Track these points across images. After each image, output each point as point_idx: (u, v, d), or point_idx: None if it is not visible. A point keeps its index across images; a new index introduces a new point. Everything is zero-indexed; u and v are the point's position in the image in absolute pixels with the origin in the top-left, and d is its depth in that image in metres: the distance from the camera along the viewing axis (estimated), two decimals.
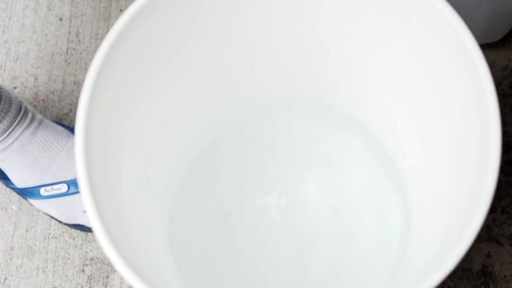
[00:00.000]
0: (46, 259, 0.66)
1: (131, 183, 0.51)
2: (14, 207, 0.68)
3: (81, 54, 0.74)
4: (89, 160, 0.42)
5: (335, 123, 0.63)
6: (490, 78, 0.42)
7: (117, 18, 0.74)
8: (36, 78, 0.73)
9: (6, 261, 0.66)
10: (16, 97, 0.63)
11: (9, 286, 0.65)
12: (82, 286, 0.65)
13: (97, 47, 0.74)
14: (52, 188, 0.64)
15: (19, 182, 0.65)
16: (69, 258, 0.66)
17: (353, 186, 0.62)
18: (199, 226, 0.61)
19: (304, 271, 0.59)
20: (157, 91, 0.52)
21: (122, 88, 0.47)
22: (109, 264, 0.66)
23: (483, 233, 0.66)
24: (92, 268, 0.66)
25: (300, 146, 0.63)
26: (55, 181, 0.64)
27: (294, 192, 0.62)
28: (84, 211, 0.64)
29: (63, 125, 0.67)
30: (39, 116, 0.65)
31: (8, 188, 0.68)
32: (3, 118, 0.61)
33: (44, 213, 0.67)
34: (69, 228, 0.67)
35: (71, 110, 0.72)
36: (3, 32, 0.75)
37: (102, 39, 0.74)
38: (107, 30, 0.75)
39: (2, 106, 0.61)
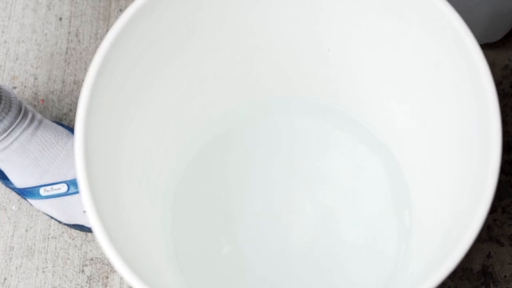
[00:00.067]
0: (45, 259, 0.66)
1: (131, 183, 0.51)
2: (13, 207, 0.68)
3: (80, 54, 0.74)
4: (89, 160, 0.42)
5: (335, 123, 0.63)
6: (491, 78, 0.42)
7: (116, 17, 0.74)
8: (35, 78, 0.73)
9: (6, 261, 0.66)
10: (16, 97, 0.63)
11: (8, 286, 0.65)
12: (81, 286, 0.65)
13: (96, 46, 0.74)
14: (52, 188, 0.64)
15: (18, 182, 0.65)
16: (68, 258, 0.66)
17: (353, 186, 0.62)
18: (199, 226, 0.61)
19: (305, 271, 0.59)
20: (157, 91, 0.52)
21: (122, 88, 0.47)
22: (109, 264, 0.66)
23: (483, 233, 0.66)
24: (91, 268, 0.66)
25: (300, 146, 0.63)
26: (55, 181, 0.64)
27: (294, 192, 0.62)
28: (84, 211, 0.64)
29: (62, 125, 0.67)
30: (39, 116, 0.65)
31: (7, 188, 0.68)
32: (3, 118, 0.61)
33: (44, 213, 0.67)
34: (68, 228, 0.67)
35: (70, 110, 0.72)
36: (3, 32, 0.75)
37: (101, 39, 0.74)
38: (107, 30, 0.75)
39: (2, 106, 0.61)
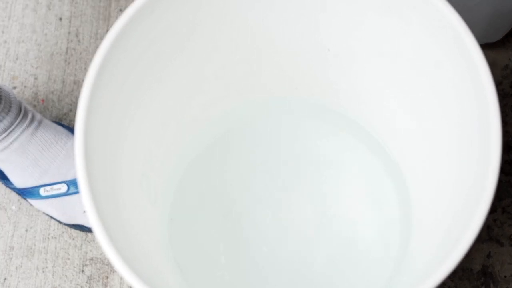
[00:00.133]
0: (45, 259, 0.66)
1: (131, 183, 0.51)
2: (13, 207, 0.68)
3: (80, 54, 0.74)
4: (89, 160, 0.42)
5: (335, 123, 0.63)
6: (491, 78, 0.41)
7: (116, 17, 0.74)
8: (35, 78, 0.73)
9: (6, 261, 0.66)
10: (16, 97, 0.63)
11: (8, 287, 0.65)
12: (81, 286, 0.65)
13: (96, 46, 0.74)
14: (51, 188, 0.64)
15: (18, 182, 0.65)
16: (68, 258, 0.66)
17: (353, 186, 0.62)
18: (199, 226, 0.61)
19: (305, 271, 0.59)
20: (157, 91, 0.52)
21: (122, 88, 0.47)
22: (108, 264, 0.66)
23: (483, 233, 0.66)
24: (91, 268, 0.66)
25: (300, 146, 0.63)
26: (55, 181, 0.64)
27: (294, 191, 0.62)
28: (84, 211, 0.64)
29: (62, 125, 0.67)
30: (38, 116, 0.65)
31: (7, 188, 0.68)
32: (3, 118, 0.61)
33: (44, 213, 0.67)
34: (68, 228, 0.67)
35: (70, 110, 0.72)
36: (3, 32, 0.75)
37: (101, 38, 0.74)
38: (107, 30, 0.75)
39: (2, 106, 0.61)
